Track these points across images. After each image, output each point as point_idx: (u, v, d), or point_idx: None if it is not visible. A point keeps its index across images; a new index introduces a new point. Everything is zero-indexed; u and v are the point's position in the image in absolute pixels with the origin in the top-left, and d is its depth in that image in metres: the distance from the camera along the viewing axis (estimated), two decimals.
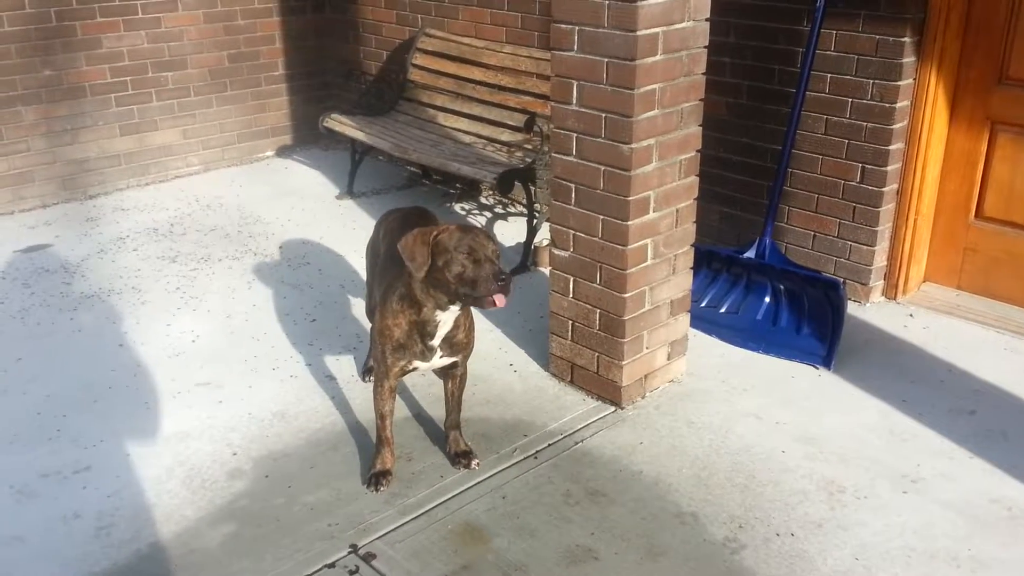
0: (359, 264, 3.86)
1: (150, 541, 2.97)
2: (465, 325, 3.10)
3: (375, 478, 3.19)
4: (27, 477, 3.28)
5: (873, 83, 4.11)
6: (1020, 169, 4.14)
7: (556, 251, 3.71)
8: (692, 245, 3.71)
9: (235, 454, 3.40)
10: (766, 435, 3.47)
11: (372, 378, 3.29)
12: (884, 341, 4.11)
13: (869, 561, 2.84)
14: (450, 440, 3.35)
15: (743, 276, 4.19)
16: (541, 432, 3.51)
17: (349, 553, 2.90)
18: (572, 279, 3.68)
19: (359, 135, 5.72)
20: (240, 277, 4.87)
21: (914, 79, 4.10)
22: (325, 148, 6.97)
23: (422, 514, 3.07)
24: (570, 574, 2.81)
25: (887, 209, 4.28)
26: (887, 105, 4.10)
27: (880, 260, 4.37)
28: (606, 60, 3.26)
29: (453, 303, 2.91)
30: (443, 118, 5.88)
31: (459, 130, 5.73)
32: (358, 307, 4.40)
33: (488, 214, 5.75)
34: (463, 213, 5.76)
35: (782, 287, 4.09)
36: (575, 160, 3.50)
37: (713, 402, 3.69)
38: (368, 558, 2.88)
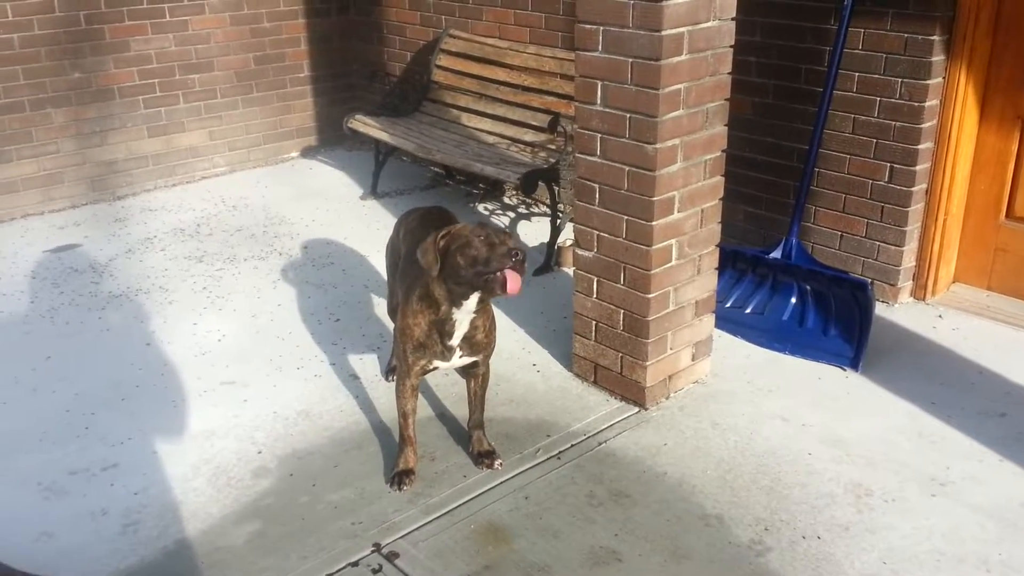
0: (383, 264, 3.87)
1: (176, 538, 2.99)
2: (484, 326, 3.08)
3: (398, 477, 3.20)
4: (56, 474, 3.32)
5: (902, 82, 4.07)
6: None
7: (580, 251, 3.70)
8: (717, 245, 3.69)
9: (260, 452, 3.42)
10: (792, 437, 3.44)
11: (395, 377, 3.30)
12: (913, 342, 4.07)
13: (897, 565, 2.81)
14: (473, 440, 3.35)
15: (769, 276, 4.16)
16: (564, 432, 3.50)
17: (372, 552, 2.91)
18: (596, 279, 3.67)
19: (383, 136, 5.73)
20: (265, 277, 4.90)
21: (943, 78, 4.05)
22: (349, 149, 7.00)
23: (445, 514, 3.07)
24: (594, 575, 2.80)
25: (916, 209, 4.23)
26: (916, 104, 4.06)
27: (909, 260, 4.32)
28: (631, 60, 3.25)
29: (469, 295, 2.88)
30: (467, 119, 5.89)
31: (483, 131, 5.73)
32: (382, 307, 4.41)
33: (511, 214, 5.75)
34: (486, 213, 5.76)
35: (809, 288, 4.06)
36: (599, 160, 3.48)
37: (738, 403, 3.66)
38: (391, 557, 2.88)
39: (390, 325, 3.87)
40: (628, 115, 3.33)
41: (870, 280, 4.13)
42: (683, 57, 3.23)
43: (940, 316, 4.27)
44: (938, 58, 3.99)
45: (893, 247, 4.29)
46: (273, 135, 6.80)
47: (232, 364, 4.04)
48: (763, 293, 4.17)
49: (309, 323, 4.40)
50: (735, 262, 4.22)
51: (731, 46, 3.41)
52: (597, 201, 3.55)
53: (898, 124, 4.13)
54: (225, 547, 2.95)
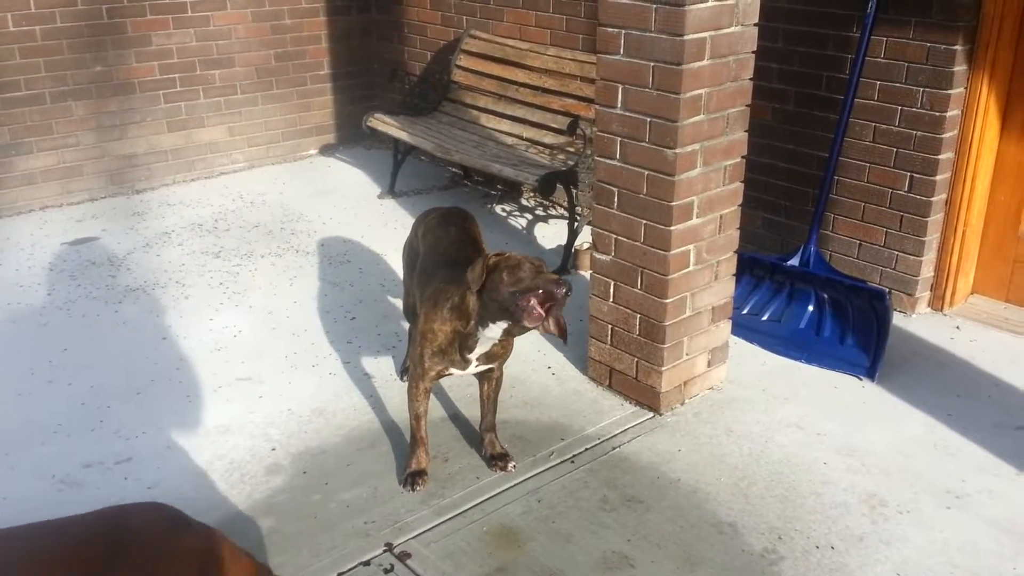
0: (399, 263, 3.87)
1: None
2: (502, 341, 3.06)
3: (411, 478, 3.20)
4: (70, 467, 3.33)
5: (923, 91, 4.05)
6: None
7: (597, 255, 3.69)
8: (735, 252, 3.68)
9: (274, 449, 3.43)
10: (807, 446, 3.42)
11: (408, 378, 3.29)
12: (930, 353, 4.04)
13: None
14: (486, 443, 3.35)
15: (786, 284, 4.15)
16: (578, 436, 3.50)
17: (384, 551, 2.91)
18: (613, 283, 3.66)
19: (402, 135, 5.74)
20: (282, 273, 4.91)
21: (965, 88, 4.03)
22: (368, 147, 7.01)
23: (457, 515, 3.07)
24: None
25: (935, 219, 4.21)
26: (937, 114, 4.03)
27: (927, 271, 4.30)
28: (652, 64, 3.24)
29: (496, 320, 2.83)
30: (486, 119, 5.89)
31: (502, 132, 5.73)
32: (398, 306, 4.41)
33: (529, 216, 5.75)
34: (504, 214, 5.76)
35: (826, 296, 4.04)
36: (618, 164, 3.48)
37: (753, 411, 3.65)
38: (403, 557, 2.88)
39: (406, 324, 3.87)
40: (648, 119, 3.32)
41: (888, 290, 4.11)
42: (705, 62, 3.22)
43: (958, 327, 4.24)
44: (960, 68, 3.97)
45: (912, 257, 4.27)
46: (292, 132, 6.82)
47: (247, 360, 4.05)
48: (780, 300, 4.16)
49: (325, 321, 4.40)
50: (753, 269, 4.21)
51: (753, 52, 3.40)
52: (615, 205, 3.54)
53: (919, 134, 4.10)
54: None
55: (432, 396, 3.55)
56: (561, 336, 2.88)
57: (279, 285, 4.79)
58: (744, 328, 4.13)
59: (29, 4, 5.55)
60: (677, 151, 3.27)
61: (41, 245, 5.30)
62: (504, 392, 3.46)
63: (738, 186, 3.57)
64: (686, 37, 3.13)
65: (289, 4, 6.54)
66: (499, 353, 3.09)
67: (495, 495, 3.17)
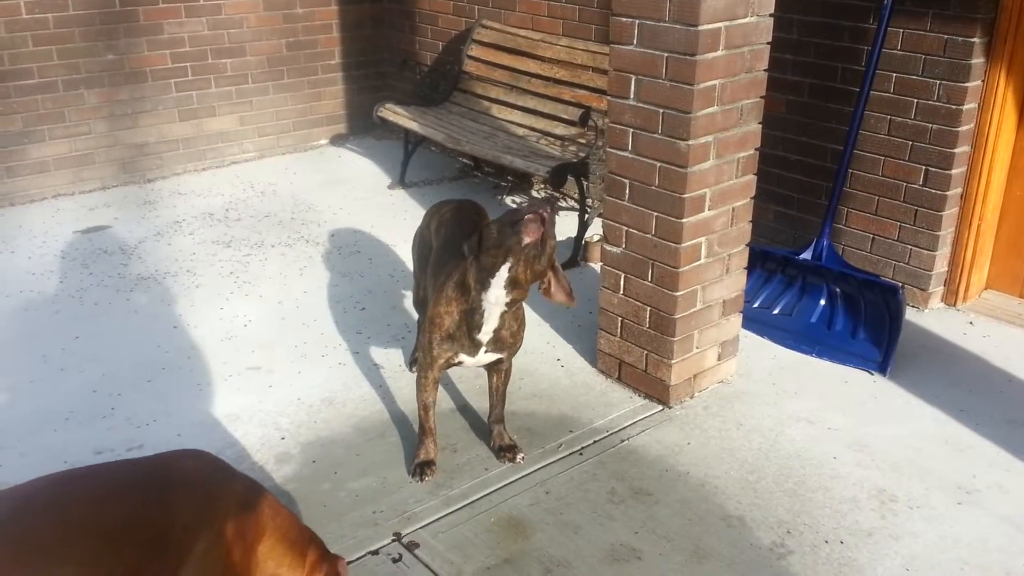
0: (409, 254, 3.87)
1: None
2: (512, 325, 3.05)
3: (419, 468, 3.20)
4: (82, 454, 3.34)
5: (940, 84, 4.01)
6: None
7: (608, 247, 3.68)
8: (747, 245, 3.66)
9: (283, 439, 3.43)
10: (817, 440, 3.41)
11: (416, 368, 3.29)
12: (942, 348, 4.02)
13: (920, 572, 2.78)
14: (494, 434, 3.34)
15: (798, 277, 4.13)
16: (587, 428, 3.49)
17: (392, 541, 2.91)
18: (623, 276, 3.65)
19: (413, 125, 5.73)
20: (292, 263, 4.92)
21: (982, 81, 3.99)
22: (378, 137, 7.00)
23: (465, 505, 3.07)
24: (613, 573, 2.79)
25: (950, 213, 4.18)
26: (954, 107, 4.00)
27: (941, 265, 4.27)
28: (666, 55, 3.22)
29: (498, 266, 2.78)
30: (497, 110, 5.87)
31: (513, 123, 5.72)
32: (407, 297, 4.41)
33: None
34: (514, 206, 5.75)
35: (838, 290, 4.02)
36: (630, 156, 3.46)
37: (763, 405, 3.63)
38: (411, 547, 2.89)
39: (415, 315, 3.87)
40: (661, 110, 3.30)
41: (901, 284, 4.08)
42: (719, 53, 3.20)
43: (971, 323, 4.22)
44: (978, 61, 3.93)
45: (925, 251, 4.24)
46: (303, 122, 6.82)
47: (257, 350, 4.06)
48: (792, 294, 4.14)
49: (335, 311, 4.41)
50: (764, 262, 4.18)
51: (768, 43, 3.37)
52: (627, 197, 3.53)
53: (935, 127, 4.07)
54: None
55: (441, 387, 3.54)
56: (568, 297, 2.91)
57: (289, 275, 4.79)
58: (755, 322, 4.11)
59: None
60: (690, 143, 3.25)
61: (53, 233, 5.32)
62: (513, 384, 3.45)
63: (751, 179, 3.55)
64: (700, 27, 3.10)
65: None
66: (509, 341, 3.08)
67: (503, 486, 3.17)
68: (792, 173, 4.68)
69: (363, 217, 5.53)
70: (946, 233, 4.21)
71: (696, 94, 3.19)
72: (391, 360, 3.97)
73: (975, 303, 4.37)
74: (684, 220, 3.36)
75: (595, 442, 3.41)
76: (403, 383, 3.77)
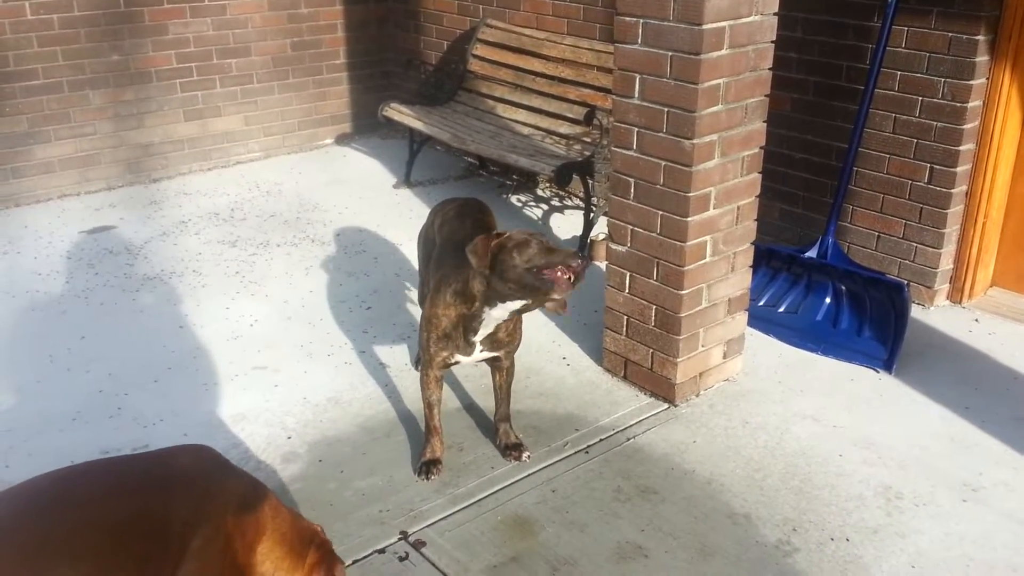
0: (415, 253, 3.88)
1: None
2: (507, 327, 3.06)
3: (425, 467, 3.20)
4: (89, 454, 3.35)
5: (944, 82, 4.01)
6: None
7: (613, 246, 3.68)
8: (752, 243, 3.66)
9: (290, 438, 3.44)
10: (823, 438, 3.41)
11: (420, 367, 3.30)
12: (948, 346, 4.02)
13: (925, 569, 2.78)
14: (500, 433, 3.35)
15: (804, 276, 4.13)
16: (593, 427, 3.50)
17: (399, 540, 2.92)
18: (628, 274, 3.65)
19: (418, 124, 5.74)
20: (298, 263, 4.93)
21: (987, 78, 3.99)
22: (384, 137, 7.01)
23: (472, 504, 3.08)
24: (619, 571, 2.80)
25: (955, 211, 4.17)
26: (958, 104, 4.00)
27: (946, 263, 4.27)
28: (670, 54, 3.22)
29: (511, 299, 2.81)
30: (502, 109, 5.88)
31: (518, 122, 5.72)
32: (413, 296, 4.42)
33: (544, 207, 5.74)
34: (519, 205, 5.75)
35: (844, 288, 4.02)
36: (635, 154, 3.46)
37: (769, 403, 3.63)
38: (418, 545, 2.89)
39: (420, 314, 3.88)
40: (666, 109, 3.30)
41: (906, 282, 4.08)
42: (723, 52, 3.20)
43: (976, 320, 4.21)
44: (982, 58, 3.93)
45: (931, 249, 4.24)
46: (308, 121, 6.83)
47: (263, 349, 4.07)
48: (797, 292, 4.14)
49: (340, 310, 4.41)
50: (769, 260, 4.19)
51: (772, 42, 3.37)
52: (632, 195, 3.53)
53: (939, 125, 4.07)
54: None
55: (447, 386, 3.56)
56: (575, 282, 2.85)
57: (295, 274, 4.80)
58: (760, 320, 4.11)
59: None
60: (695, 141, 3.25)
61: (59, 233, 5.34)
62: (519, 382, 3.45)
63: (756, 177, 3.55)
64: (705, 26, 3.11)
65: None
66: (504, 340, 3.09)
67: (509, 485, 3.17)
68: (797, 171, 4.68)
69: (369, 216, 5.54)
70: (951, 231, 4.21)
71: (700, 93, 3.19)
72: (397, 359, 3.98)
73: (981, 300, 4.36)
74: (689, 218, 3.36)
75: (601, 440, 3.41)
76: (409, 382, 3.78)
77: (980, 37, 3.88)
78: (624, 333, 3.74)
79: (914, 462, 3.27)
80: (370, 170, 6.40)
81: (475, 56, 6.11)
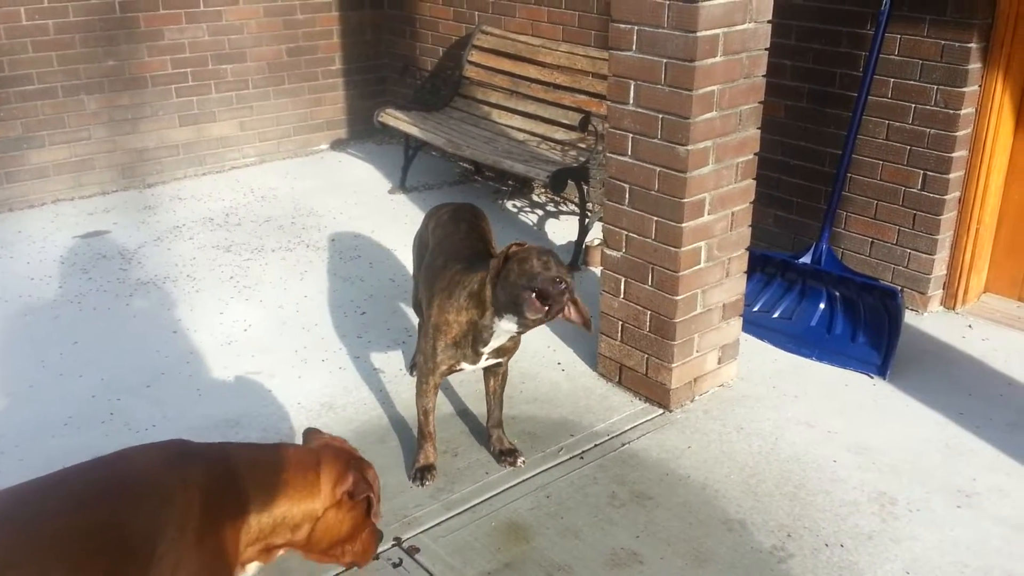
0: (410, 259, 3.88)
1: None
2: (516, 337, 3.05)
3: (420, 473, 3.20)
4: (81, 459, 3.31)
5: (937, 89, 4.03)
6: None
7: (608, 251, 3.69)
8: (746, 249, 3.67)
9: None
10: (817, 444, 3.41)
11: (416, 373, 3.28)
12: (941, 352, 4.02)
13: (920, 575, 2.79)
14: (493, 439, 3.34)
15: (798, 281, 4.13)
16: (587, 432, 3.49)
17: (393, 546, 2.91)
18: (623, 280, 3.65)
19: (413, 130, 5.74)
20: (292, 268, 4.92)
21: (979, 85, 4.01)
22: (379, 143, 7.01)
23: (466, 510, 3.07)
24: None
25: (948, 217, 4.19)
26: (951, 111, 4.01)
27: (940, 269, 4.28)
28: (665, 61, 3.23)
29: (506, 313, 2.81)
30: (497, 115, 5.88)
31: (513, 127, 5.73)
32: (407, 301, 4.42)
33: (540, 212, 5.74)
34: (515, 210, 5.76)
35: (838, 294, 4.03)
36: (630, 160, 3.47)
37: (764, 408, 3.64)
38: (412, 551, 2.89)
39: (415, 319, 3.88)
40: (660, 116, 3.31)
41: (900, 288, 4.09)
42: (718, 59, 3.21)
43: (970, 326, 4.22)
44: (975, 66, 3.95)
45: (924, 255, 4.25)
46: (303, 127, 6.83)
47: (257, 354, 4.06)
48: (792, 298, 4.14)
49: (335, 315, 4.41)
50: (764, 266, 4.19)
51: (766, 49, 3.38)
52: (627, 201, 3.53)
53: (932, 131, 4.08)
54: None
55: (441, 391, 3.55)
56: (585, 326, 2.89)
57: (289, 280, 4.79)
58: (755, 325, 4.11)
59: None
60: (689, 148, 3.26)
61: (53, 238, 5.33)
62: (514, 388, 3.45)
63: (750, 183, 3.56)
64: (699, 33, 3.12)
65: None
66: (509, 348, 3.09)
67: (504, 490, 3.17)
68: (791, 177, 4.69)
69: (364, 222, 5.54)
70: (944, 237, 4.22)
71: (695, 99, 3.20)
72: (391, 364, 3.97)
73: (974, 306, 4.37)
74: (684, 224, 3.37)
75: (596, 446, 3.41)
76: (403, 387, 3.78)
77: (972, 44, 3.90)
78: (619, 338, 3.75)
79: (908, 468, 3.27)
80: (365, 175, 6.41)
81: (471, 62, 6.12)
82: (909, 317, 4.21)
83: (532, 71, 5.74)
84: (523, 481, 3.22)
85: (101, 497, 2.04)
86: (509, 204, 5.85)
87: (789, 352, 4.03)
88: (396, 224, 5.49)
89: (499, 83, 5.94)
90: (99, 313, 4.45)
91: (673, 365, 3.56)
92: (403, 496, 3.14)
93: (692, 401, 3.69)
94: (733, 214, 3.53)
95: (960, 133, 4.04)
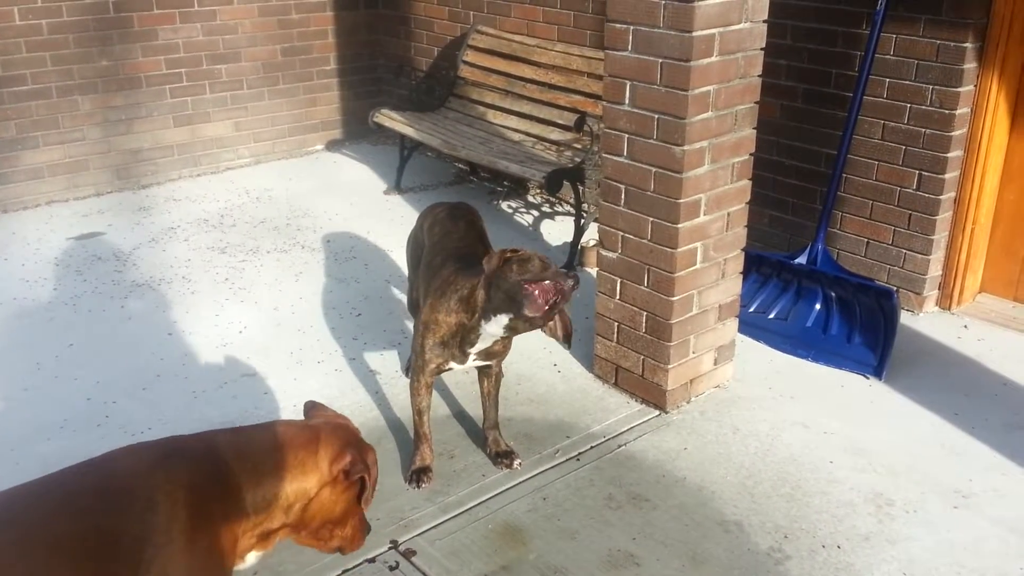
0: (405, 260, 3.87)
1: None
2: (503, 339, 3.05)
3: (416, 475, 3.19)
4: (76, 462, 3.32)
5: (933, 89, 4.03)
6: None
7: (604, 252, 3.68)
8: (742, 249, 3.67)
9: None
10: (814, 445, 3.41)
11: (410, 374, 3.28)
12: (937, 352, 4.03)
13: None
14: (490, 441, 3.34)
15: (793, 282, 4.13)
16: (584, 434, 3.49)
17: (389, 549, 2.91)
18: (619, 281, 3.65)
19: (408, 131, 5.73)
20: (288, 269, 4.91)
21: (975, 85, 4.01)
22: (374, 143, 7.00)
23: (462, 512, 3.07)
24: None
25: (943, 217, 4.19)
26: (946, 111, 4.01)
27: (935, 269, 4.28)
28: (660, 61, 3.23)
29: (500, 312, 2.80)
30: (493, 115, 5.88)
31: (508, 128, 5.72)
32: (403, 302, 4.41)
33: (535, 213, 5.74)
34: (510, 211, 5.75)
35: (833, 294, 4.03)
36: (626, 161, 3.47)
37: (760, 409, 3.64)
38: (408, 554, 2.88)
39: (411, 321, 3.87)
40: (656, 116, 3.31)
41: (895, 288, 4.09)
42: (713, 59, 3.21)
43: (965, 326, 4.23)
44: (970, 66, 3.95)
45: (920, 255, 4.25)
46: (298, 127, 6.82)
47: (253, 356, 4.05)
48: (787, 299, 4.14)
49: (330, 317, 4.40)
50: (760, 266, 4.19)
51: (762, 49, 3.38)
52: (622, 202, 3.53)
53: (928, 131, 4.09)
54: None
55: (437, 393, 3.55)
56: (565, 340, 2.89)
57: (285, 281, 4.78)
58: (751, 326, 4.11)
59: None
60: (685, 148, 3.26)
61: (47, 240, 5.31)
62: (510, 389, 3.44)
63: (746, 183, 3.55)
64: (695, 33, 3.11)
65: None
66: (498, 351, 3.08)
67: (500, 492, 3.16)
68: (787, 178, 4.69)
69: (359, 223, 5.53)
70: (940, 237, 4.22)
71: (691, 99, 3.20)
72: (387, 366, 3.97)
73: (969, 307, 4.38)
74: (680, 225, 3.36)
75: (592, 448, 3.41)
76: (399, 389, 3.77)
77: (968, 44, 3.90)
78: (615, 340, 3.74)
79: (904, 469, 3.27)
80: (360, 176, 6.39)
81: (466, 62, 6.11)
82: (905, 317, 4.21)
83: (527, 71, 5.73)
84: (519, 483, 3.21)
85: (87, 504, 2.02)
86: (504, 205, 5.84)
87: (785, 353, 4.03)
88: (391, 225, 5.48)
89: (494, 83, 5.93)
90: (94, 315, 4.44)
91: (669, 366, 3.56)
92: (399, 498, 3.13)
93: (688, 402, 3.68)
94: (729, 215, 3.53)
95: (955, 133, 4.04)
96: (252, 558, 2.31)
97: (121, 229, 5.46)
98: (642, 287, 3.56)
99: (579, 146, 5.23)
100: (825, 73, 4.40)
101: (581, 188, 4.90)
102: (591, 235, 4.70)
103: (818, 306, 4.06)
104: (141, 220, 5.61)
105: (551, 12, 5.69)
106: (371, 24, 6.98)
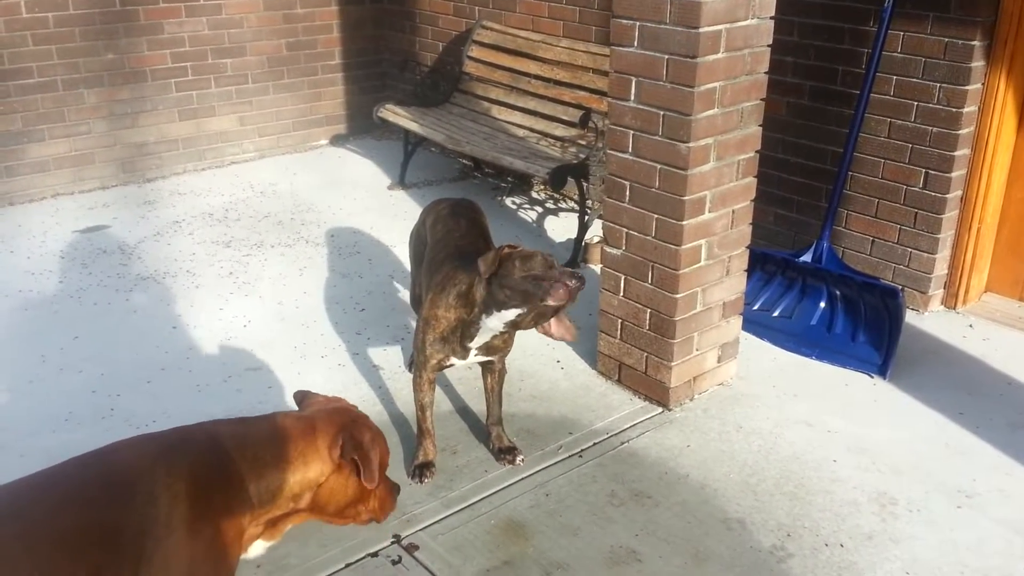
0: (408, 255, 3.87)
1: None
2: (503, 335, 3.05)
3: (419, 470, 3.19)
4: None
5: (940, 87, 4.01)
6: None
7: (608, 249, 3.68)
8: (747, 247, 3.66)
9: None
10: (817, 443, 3.40)
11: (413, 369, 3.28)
12: (942, 351, 4.02)
13: None
14: (493, 437, 3.34)
15: (798, 280, 4.12)
16: (587, 430, 3.49)
17: (392, 543, 2.91)
18: (623, 277, 3.64)
19: (413, 126, 5.73)
20: (292, 264, 4.91)
21: (983, 84, 3.99)
22: (378, 138, 7.00)
23: (465, 508, 3.07)
24: (612, 575, 2.79)
25: (950, 216, 4.18)
26: (954, 110, 4.00)
27: (941, 268, 4.27)
28: (667, 57, 3.22)
29: (507, 307, 2.79)
30: (497, 111, 5.87)
31: (513, 124, 5.71)
32: (406, 298, 4.40)
33: (539, 209, 5.73)
34: (514, 207, 5.75)
35: (838, 292, 4.02)
36: (631, 157, 3.46)
37: (763, 407, 3.63)
38: (411, 549, 2.88)
39: (414, 316, 3.86)
40: (662, 112, 3.30)
41: (901, 287, 4.08)
42: (720, 55, 3.20)
43: (971, 326, 4.21)
44: (978, 63, 3.93)
45: (925, 254, 4.24)
46: (303, 122, 6.82)
47: (257, 350, 4.05)
48: (792, 297, 4.13)
49: (334, 312, 4.40)
50: (764, 264, 4.18)
51: (769, 45, 3.37)
52: (627, 199, 3.52)
53: (935, 129, 4.07)
54: None
55: (440, 389, 3.55)
56: (568, 333, 2.89)
57: (289, 275, 4.78)
58: (755, 324, 4.10)
59: None
60: (690, 145, 3.25)
61: (52, 233, 5.31)
62: (513, 386, 3.43)
63: (751, 181, 3.54)
64: (701, 30, 3.10)
65: None
66: (499, 346, 3.08)
67: (503, 488, 3.16)
68: (792, 175, 4.68)
69: (363, 218, 5.53)
70: (946, 236, 4.21)
71: (697, 96, 3.19)
72: (391, 361, 3.97)
73: (975, 306, 4.36)
74: (684, 222, 3.36)
75: (595, 444, 3.40)
76: (402, 384, 3.77)
77: (976, 42, 3.88)
78: (618, 336, 3.74)
79: (908, 468, 3.27)
80: (365, 171, 6.39)
81: (470, 58, 6.10)
82: (910, 316, 4.20)
83: (532, 67, 5.72)
84: (522, 479, 3.21)
85: (90, 497, 2.03)
86: (508, 201, 5.84)
87: (789, 351, 4.02)
88: (395, 220, 5.47)
89: (499, 79, 5.92)
90: (99, 308, 4.44)
91: (673, 363, 3.55)
92: (402, 493, 3.11)
93: (691, 400, 3.68)
94: (734, 212, 3.52)
95: (962, 131, 4.02)
96: (260, 548, 2.31)
97: (126, 222, 5.46)
98: (646, 284, 3.55)
99: (584, 142, 5.22)
100: (832, 70, 4.39)
101: (585, 184, 4.89)
102: (595, 231, 4.69)
103: (823, 304, 4.05)
104: (146, 214, 5.61)
105: (556, 7, 5.68)
106: (376, 19, 6.97)
